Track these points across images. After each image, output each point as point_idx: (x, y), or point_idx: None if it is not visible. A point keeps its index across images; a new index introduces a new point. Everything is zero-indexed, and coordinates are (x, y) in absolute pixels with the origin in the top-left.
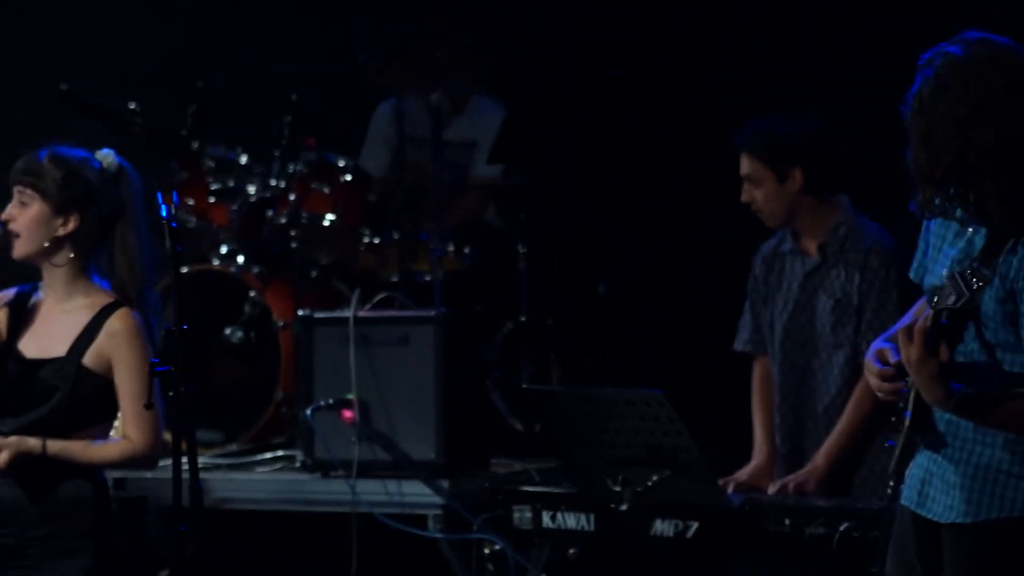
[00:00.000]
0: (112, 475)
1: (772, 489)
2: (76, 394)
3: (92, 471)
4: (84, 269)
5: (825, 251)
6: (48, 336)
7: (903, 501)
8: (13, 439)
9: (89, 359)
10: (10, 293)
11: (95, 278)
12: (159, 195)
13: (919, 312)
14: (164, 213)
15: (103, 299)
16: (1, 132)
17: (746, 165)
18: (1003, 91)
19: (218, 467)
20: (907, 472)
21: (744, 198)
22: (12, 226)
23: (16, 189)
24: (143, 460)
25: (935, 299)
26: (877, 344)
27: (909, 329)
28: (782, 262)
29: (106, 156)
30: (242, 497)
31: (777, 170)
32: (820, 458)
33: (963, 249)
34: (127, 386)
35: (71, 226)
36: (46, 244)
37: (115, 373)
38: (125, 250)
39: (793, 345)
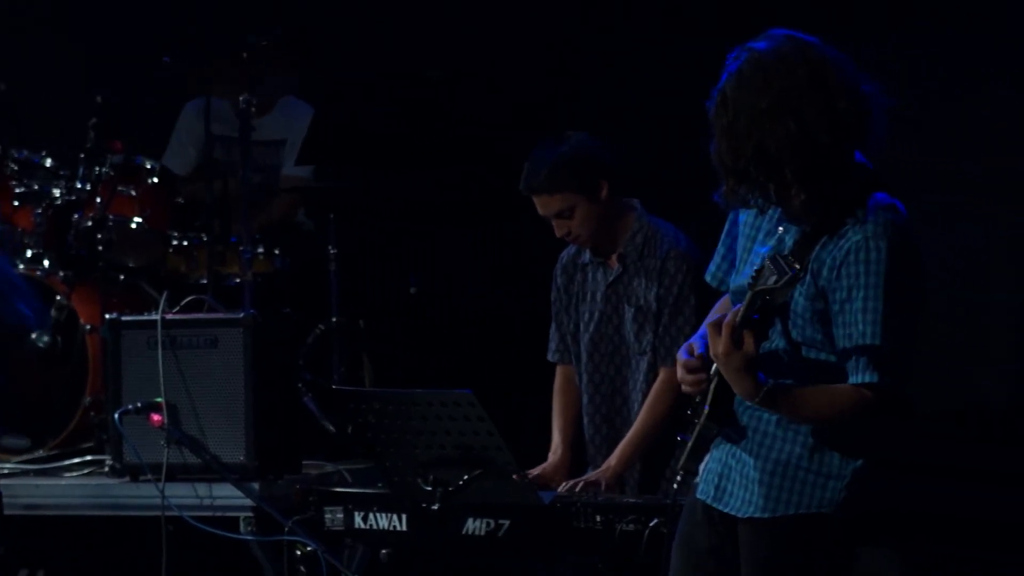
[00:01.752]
0: None
1: (563, 488)
2: None
3: None
4: None
5: (625, 260)
6: None
7: (698, 495)
8: None
9: None
10: None
11: None
12: None
13: (721, 310)
14: None
15: None
16: None
17: (553, 203)
18: (804, 84)
19: (25, 473)
20: (703, 467)
21: (559, 233)
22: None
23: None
24: None
25: (755, 282)
26: (690, 340)
27: (718, 323)
28: (584, 273)
29: None
30: (50, 503)
31: (586, 190)
32: (613, 458)
33: (774, 247)
34: None
35: None
36: None
37: None
38: None
39: (602, 356)
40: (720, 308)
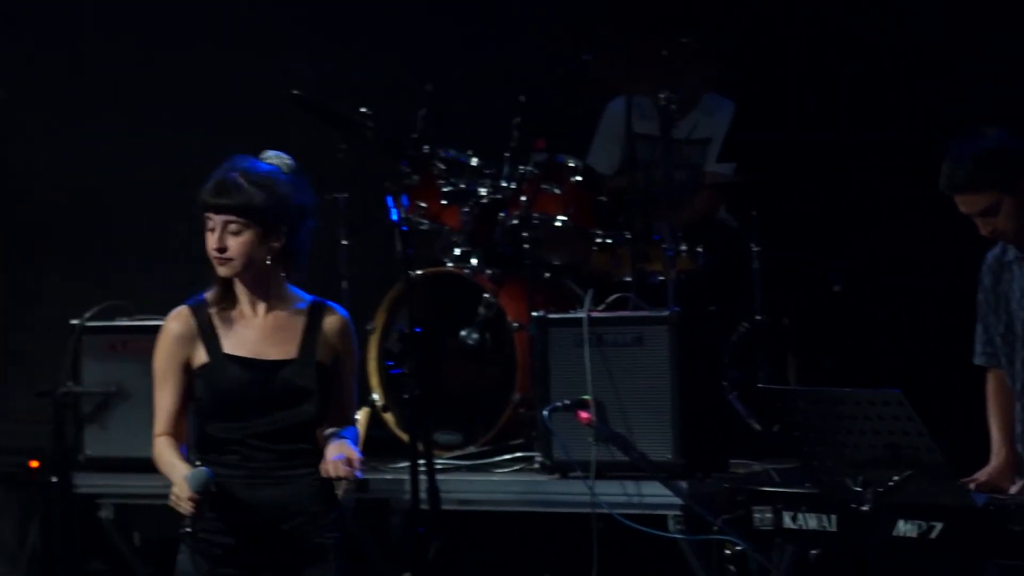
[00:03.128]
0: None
1: (1014, 489)
2: (321, 391)
3: None
4: (279, 271)
5: None
6: (255, 337)
7: None
8: (352, 451)
9: (320, 355)
10: (184, 309)
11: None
12: (389, 199)
13: None
14: (395, 217)
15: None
16: (240, 138)
17: (976, 201)
18: None
19: (458, 469)
20: None
21: (986, 232)
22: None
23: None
24: None
25: None
26: None
27: None
28: (1010, 271)
29: (275, 156)
30: (482, 499)
31: (1010, 186)
32: None
33: None
34: (349, 370)
35: (280, 243)
36: (257, 263)
37: (341, 363)
38: (302, 243)
39: None
40: None
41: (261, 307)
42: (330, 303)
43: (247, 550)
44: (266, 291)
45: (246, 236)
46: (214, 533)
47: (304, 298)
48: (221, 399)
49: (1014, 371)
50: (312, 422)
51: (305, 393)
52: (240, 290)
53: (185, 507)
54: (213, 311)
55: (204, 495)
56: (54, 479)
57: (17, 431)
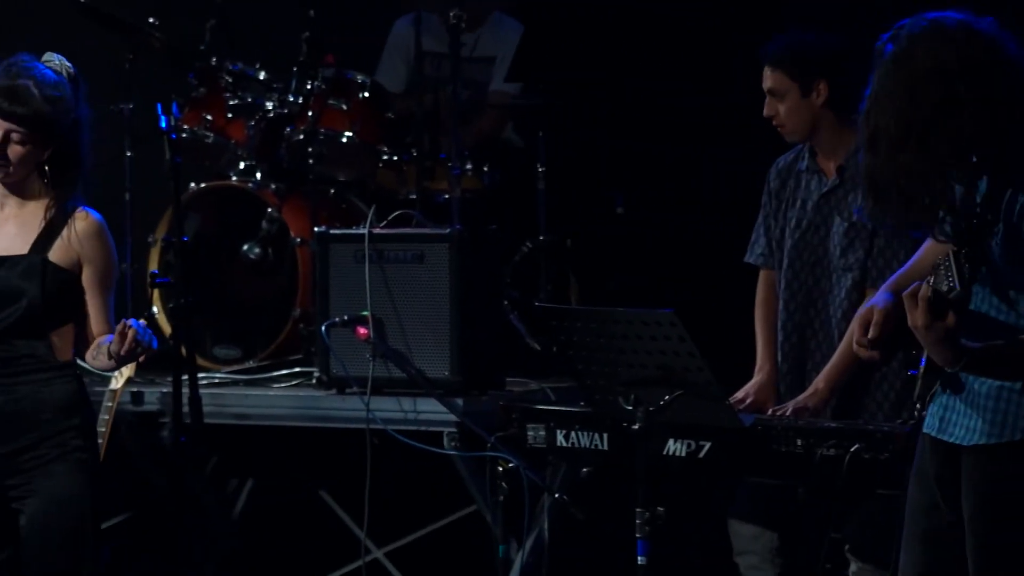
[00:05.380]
0: (129, 389)
1: (772, 412)
2: (47, 291)
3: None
4: (38, 172)
5: (843, 173)
6: (5, 236)
7: (924, 428)
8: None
9: (54, 255)
10: None
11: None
12: (159, 106)
13: (929, 251)
14: (163, 124)
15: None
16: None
17: (770, 79)
18: None
19: (236, 383)
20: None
21: (767, 112)
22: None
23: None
24: None
25: (931, 279)
26: (878, 297)
27: (914, 295)
28: (798, 179)
29: (55, 58)
30: (259, 413)
31: (802, 82)
32: (821, 382)
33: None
34: (99, 279)
35: (50, 148)
36: (27, 165)
37: (84, 270)
38: (67, 144)
39: (803, 264)
40: (926, 252)
41: (12, 204)
42: (88, 209)
43: None
44: (21, 189)
45: (28, 147)
46: None
47: (70, 206)
48: None
49: (781, 275)
50: (31, 323)
51: (20, 291)
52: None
53: None
54: None
55: None
56: None
57: None
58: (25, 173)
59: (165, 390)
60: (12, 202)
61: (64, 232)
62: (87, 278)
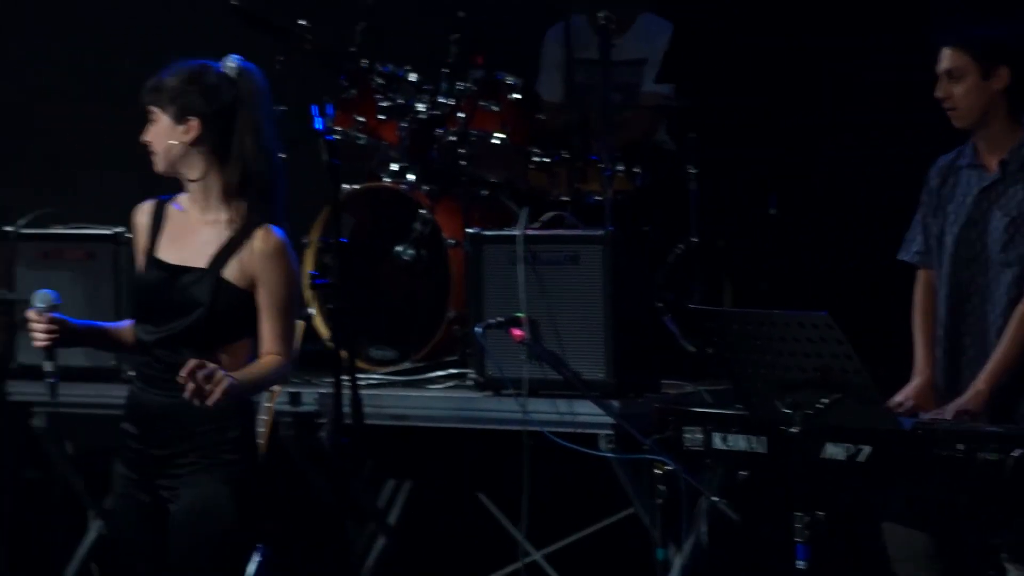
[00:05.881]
0: (287, 389)
1: (931, 415)
2: (216, 307)
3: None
4: (220, 179)
5: (1006, 168)
6: (190, 246)
7: None
8: (223, 375)
9: (230, 273)
10: (150, 203)
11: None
12: (314, 108)
13: None
14: (319, 126)
15: (244, 214)
16: (175, 46)
17: (949, 59)
18: None
19: (391, 384)
20: None
21: (940, 93)
22: (150, 145)
23: (146, 110)
24: (287, 376)
25: None
26: None
27: None
28: (957, 176)
29: (229, 60)
30: (416, 414)
31: (984, 65)
32: (982, 383)
33: None
34: (272, 301)
35: (193, 132)
36: (173, 153)
37: (258, 290)
38: (246, 149)
39: (961, 260)
40: None
41: (196, 214)
42: (272, 226)
43: (142, 458)
44: (206, 199)
45: (158, 124)
46: (127, 436)
47: (256, 221)
48: (133, 298)
49: (940, 276)
50: (199, 335)
51: (193, 304)
52: (186, 194)
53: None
54: (170, 209)
55: (53, 324)
56: None
57: None
58: (167, 153)
59: (322, 391)
60: (197, 214)
61: (242, 249)
62: (260, 298)
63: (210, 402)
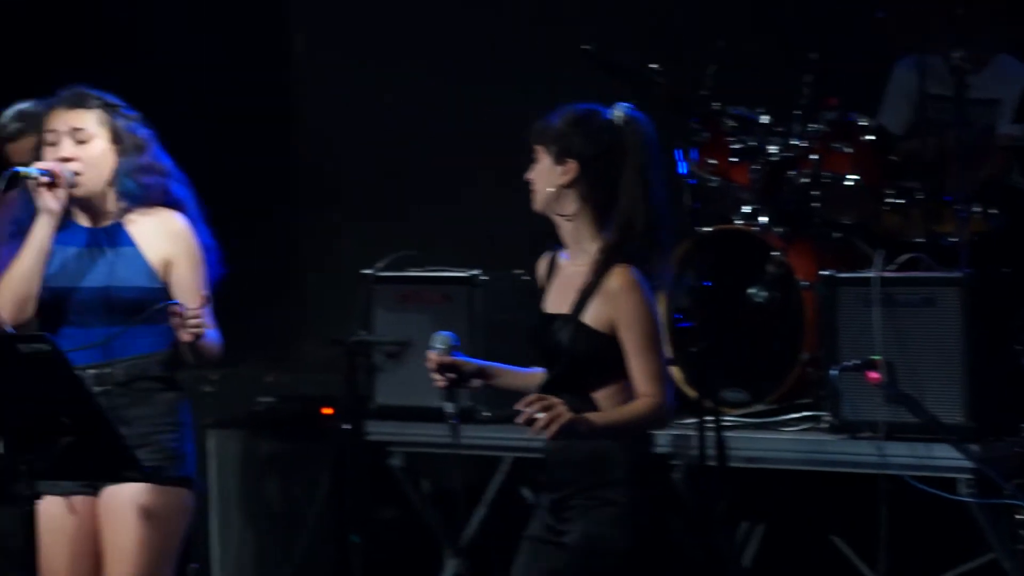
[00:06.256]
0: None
1: None
2: (577, 352)
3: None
4: (593, 224)
5: None
6: (563, 293)
7: None
8: (564, 410)
9: (589, 317)
10: (548, 255)
11: (606, 234)
12: (677, 153)
13: None
14: (682, 170)
15: (605, 257)
16: (523, 94)
17: None
18: None
19: (745, 426)
20: None
21: None
22: (532, 183)
23: (532, 149)
24: (663, 418)
25: None
26: None
27: None
28: None
29: (618, 108)
30: (769, 456)
31: None
32: None
33: None
34: (634, 339)
35: (570, 174)
36: (550, 192)
37: (619, 330)
38: (630, 197)
39: None
40: None
41: (571, 258)
42: (629, 266)
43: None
44: (571, 238)
45: (541, 164)
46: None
47: (613, 261)
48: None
49: None
50: (569, 381)
51: (560, 350)
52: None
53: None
54: (559, 259)
55: (450, 365)
56: (346, 426)
57: (311, 379)
58: (545, 193)
59: (676, 432)
60: (568, 259)
61: (599, 291)
62: (623, 339)
63: (547, 435)
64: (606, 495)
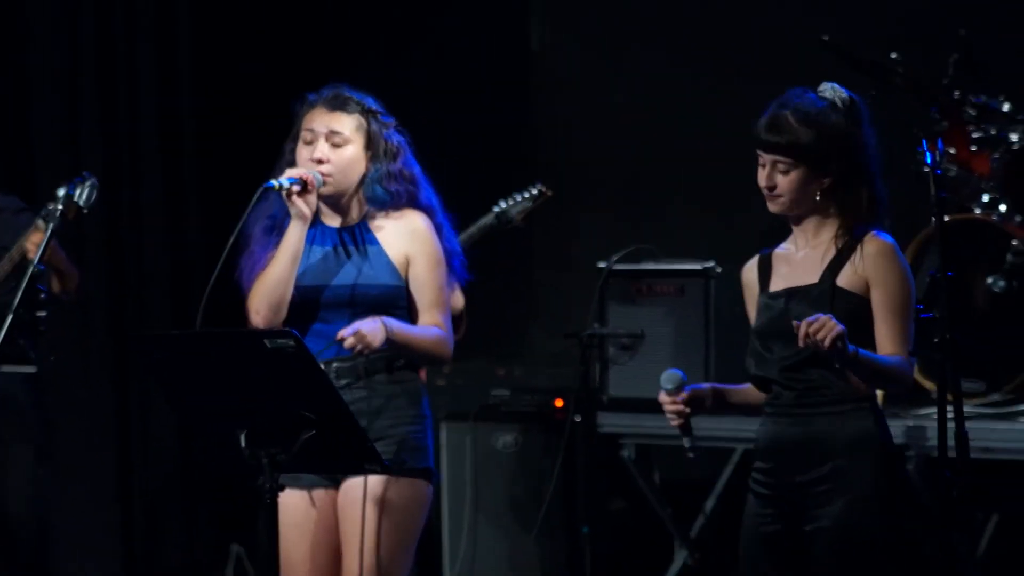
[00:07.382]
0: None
1: None
2: (836, 315)
3: None
4: (830, 208)
5: None
6: (798, 270)
7: None
8: (835, 324)
9: (844, 280)
10: (753, 259)
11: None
12: (923, 143)
13: None
14: (928, 161)
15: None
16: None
17: None
18: None
19: (980, 416)
20: None
21: None
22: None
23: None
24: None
25: None
26: None
27: None
28: None
29: (830, 89)
30: (1004, 447)
31: None
32: None
33: None
34: (886, 300)
35: (826, 184)
36: (799, 200)
37: (872, 292)
38: (864, 176)
39: None
40: None
41: (803, 243)
42: (879, 233)
43: (777, 490)
44: (814, 229)
45: (794, 175)
46: (758, 472)
47: (864, 229)
48: (756, 336)
49: None
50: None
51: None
52: (788, 238)
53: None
54: (773, 253)
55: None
56: (578, 418)
57: (543, 372)
58: (804, 202)
59: (909, 423)
60: (804, 241)
61: (854, 256)
62: (875, 300)
63: (826, 345)
64: (856, 479)
